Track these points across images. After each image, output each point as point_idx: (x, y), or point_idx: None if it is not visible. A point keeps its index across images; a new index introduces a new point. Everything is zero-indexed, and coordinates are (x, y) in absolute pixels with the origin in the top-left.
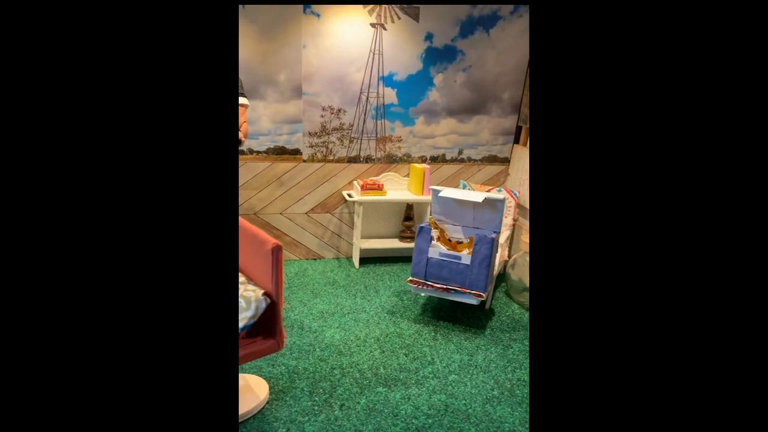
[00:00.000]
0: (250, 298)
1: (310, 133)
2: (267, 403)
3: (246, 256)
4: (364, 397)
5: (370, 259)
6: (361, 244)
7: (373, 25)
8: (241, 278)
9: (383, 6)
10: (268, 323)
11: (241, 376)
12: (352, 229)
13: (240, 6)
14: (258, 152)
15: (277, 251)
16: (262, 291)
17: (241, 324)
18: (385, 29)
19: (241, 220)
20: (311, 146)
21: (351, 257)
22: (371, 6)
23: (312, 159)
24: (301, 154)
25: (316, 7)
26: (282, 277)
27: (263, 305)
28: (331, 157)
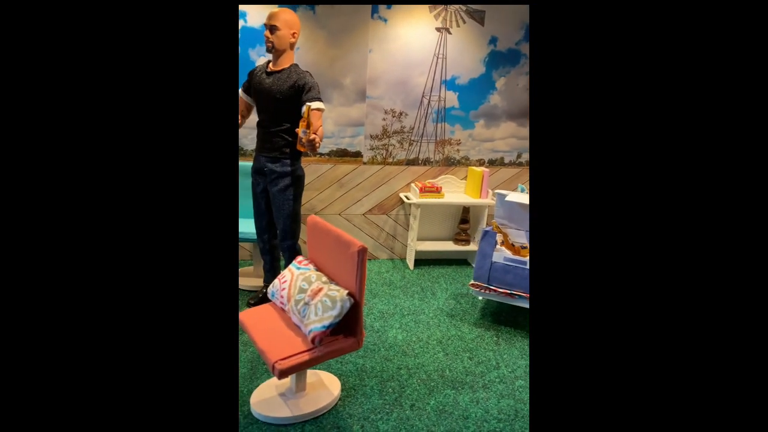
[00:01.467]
0: (335, 297)
1: (371, 136)
2: (339, 399)
3: (329, 257)
4: (433, 398)
5: (424, 261)
6: (417, 246)
7: (438, 29)
8: (324, 278)
9: (449, 10)
10: (350, 322)
11: (313, 372)
12: (407, 230)
13: (311, 11)
14: (321, 154)
15: (362, 253)
16: (347, 291)
17: (326, 322)
18: (449, 33)
19: (324, 222)
20: (372, 149)
21: (405, 259)
22: (438, 10)
23: (372, 161)
24: (361, 156)
25: (383, 13)
26: (365, 278)
27: (347, 305)
28: (391, 160)
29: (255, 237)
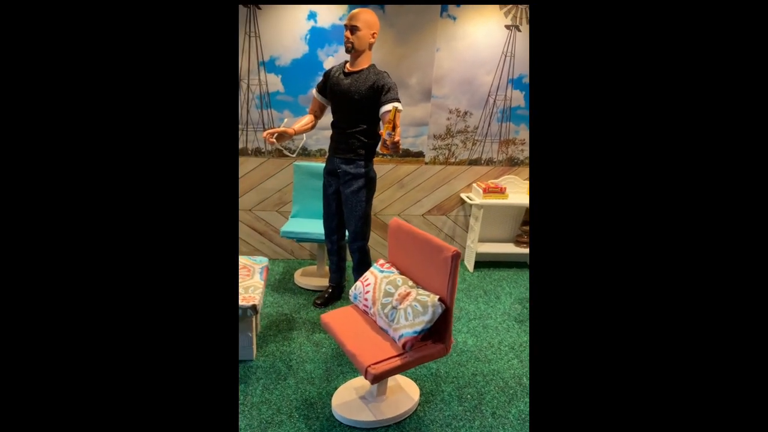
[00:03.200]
0: (426, 302)
1: (434, 136)
2: (418, 405)
3: (415, 261)
4: (514, 407)
5: (483, 263)
6: (477, 247)
7: (507, 27)
8: (410, 282)
9: (520, 7)
10: (440, 328)
11: (393, 377)
12: (466, 232)
13: (381, 11)
14: (383, 155)
15: (455, 258)
16: (437, 296)
17: (418, 328)
18: (519, 31)
19: (409, 226)
20: (434, 149)
21: (463, 260)
22: (508, 7)
23: (434, 161)
24: (423, 156)
25: (453, 11)
26: (456, 283)
27: (439, 310)
28: (453, 160)
29: (321, 237)
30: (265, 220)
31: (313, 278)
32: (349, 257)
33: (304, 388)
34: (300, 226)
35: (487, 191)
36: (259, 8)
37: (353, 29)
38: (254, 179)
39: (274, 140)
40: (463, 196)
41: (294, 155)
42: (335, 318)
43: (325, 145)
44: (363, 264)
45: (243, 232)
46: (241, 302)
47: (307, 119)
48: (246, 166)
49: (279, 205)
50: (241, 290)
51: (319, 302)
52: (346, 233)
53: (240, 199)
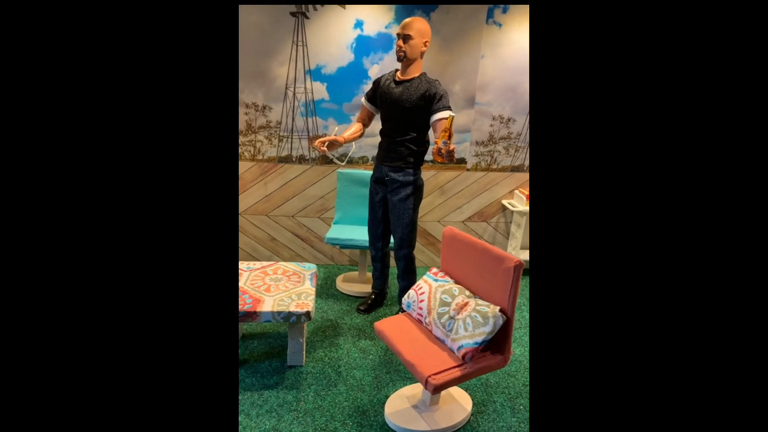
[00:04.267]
0: (486, 313)
1: (477, 143)
2: (471, 415)
3: (472, 270)
4: None
5: (525, 270)
6: (519, 254)
7: None
8: (467, 292)
9: None
10: (499, 339)
11: None
12: (507, 239)
13: (426, 17)
14: (434, 162)
15: (518, 269)
16: (498, 308)
17: (478, 339)
18: None
19: (466, 235)
20: (476, 155)
21: None
22: None
23: (475, 168)
24: (465, 162)
25: (499, 17)
26: (518, 294)
27: (500, 321)
28: (495, 166)
29: (365, 244)
30: (307, 227)
31: (355, 284)
32: (392, 264)
33: (355, 395)
34: (344, 232)
35: None
36: (307, 17)
37: (406, 38)
38: (297, 186)
39: (325, 149)
40: (505, 202)
41: (343, 163)
42: (389, 326)
43: (368, 153)
44: (408, 271)
45: (285, 238)
46: (294, 308)
47: (355, 128)
48: (290, 173)
49: (321, 211)
50: (293, 296)
51: (362, 308)
52: (391, 240)
53: (283, 206)
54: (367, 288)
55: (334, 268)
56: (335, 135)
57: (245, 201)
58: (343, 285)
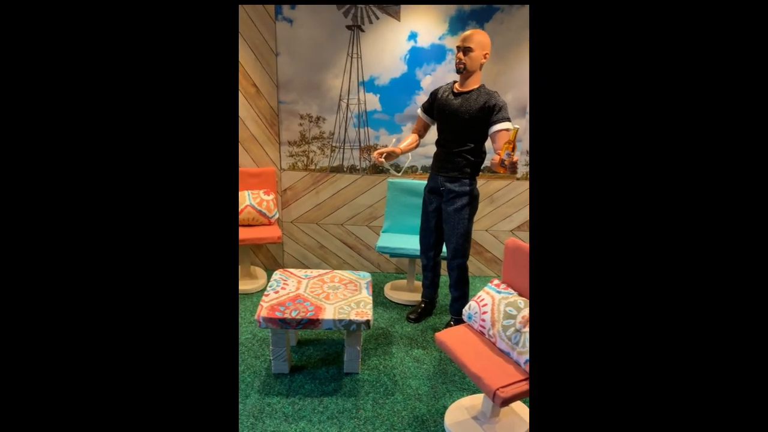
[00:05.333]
0: None
1: (527, 151)
2: None
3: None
4: None
5: None
6: None
7: None
8: (523, 299)
9: None
10: None
11: None
12: None
13: (481, 28)
14: (497, 173)
15: None
16: None
17: None
18: None
19: (519, 242)
20: (527, 164)
21: None
22: None
23: (526, 177)
24: (515, 171)
25: None
26: None
27: None
28: None
29: (416, 253)
30: (355, 235)
31: (403, 292)
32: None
33: (413, 404)
34: (394, 241)
35: None
36: (362, 30)
37: (466, 50)
38: (347, 195)
39: (383, 160)
40: None
41: (399, 174)
42: (451, 337)
43: (417, 163)
44: (461, 281)
45: (334, 245)
46: (354, 317)
47: (411, 139)
48: (341, 182)
49: (369, 220)
50: (352, 304)
51: (412, 317)
52: (443, 250)
53: (333, 214)
54: (416, 296)
55: (381, 276)
56: (392, 146)
57: (297, 209)
58: (391, 293)
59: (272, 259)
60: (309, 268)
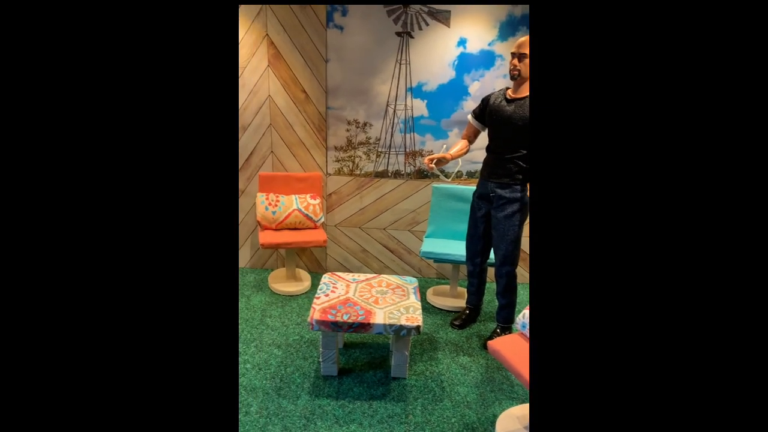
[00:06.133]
0: None
1: None
2: None
3: None
4: None
5: None
6: None
7: None
8: None
9: None
10: None
11: None
12: None
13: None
14: None
15: None
16: None
17: None
18: None
19: None
20: None
21: None
22: None
23: None
24: None
25: None
26: None
27: None
28: None
29: (461, 259)
30: (397, 239)
31: (446, 298)
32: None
33: (463, 411)
34: (438, 246)
35: None
36: (412, 37)
37: (521, 57)
38: (391, 200)
39: (434, 165)
40: None
41: (449, 180)
42: (504, 346)
43: (463, 168)
44: (509, 289)
45: (375, 249)
46: (405, 322)
47: (461, 144)
48: (385, 187)
49: (412, 224)
50: (401, 309)
51: (456, 324)
52: (490, 256)
53: (376, 219)
54: (459, 302)
55: (422, 281)
56: (443, 152)
57: (341, 213)
58: (433, 298)
59: (316, 262)
60: (351, 271)
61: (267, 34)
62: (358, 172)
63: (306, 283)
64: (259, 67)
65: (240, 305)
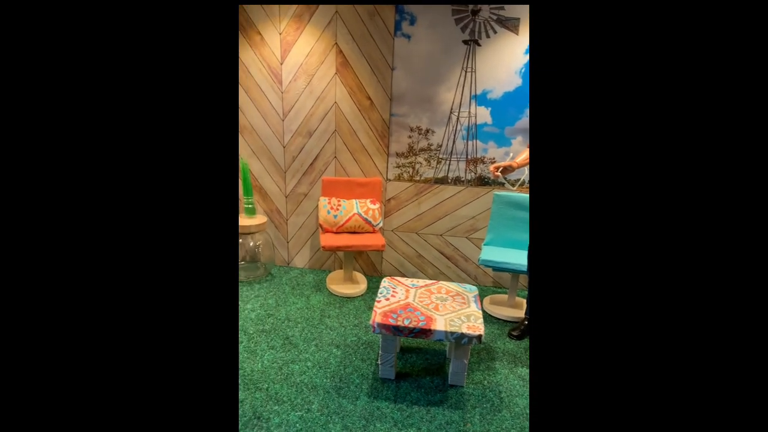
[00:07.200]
0: None
1: None
2: None
3: None
4: None
5: None
6: None
7: None
8: None
9: None
10: None
11: None
12: None
13: None
14: None
15: None
16: None
17: None
18: None
19: None
20: None
21: None
22: None
23: None
24: None
25: None
26: None
27: None
28: None
29: (521, 268)
30: (453, 246)
31: (503, 308)
32: None
33: (522, 424)
34: (498, 255)
35: None
36: (479, 45)
37: None
38: (449, 206)
39: (500, 173)
40: None
41: (515, 188)
42: None
43: (521, 176)
44: None
45: (431, 255)
46: (467, 330)
47: (527, 153)
48: (444, 193)
49: (470, 231)
50: (462, 317)
51: (515, 334)
52: None
53: (434, 225)
54: (517, 313)
55: (479, 290)
56: (509, 161)
57: (398, 218)
58: (490, 307)
59: (371, 266)
60: (406, 276)
61: (336, 43)
62: (418, 178)
63: (362, 286)
64: (327, 75)
65: (300, 305)
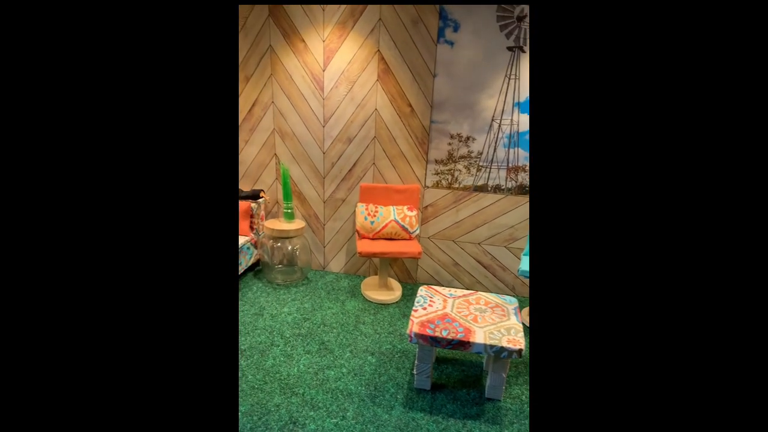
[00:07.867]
0: None
1: None
2: None
3: None
4: None
5: None
6: None
7: None
8: None
9: None
10: None
11: None
12: None
13: None
14: None
15: None
16: None
17: None
18: None
19: None
20: None
21: None
22: None
23: None
24: None
25: None
26: None
27: None
28: None
29: None
30: (491, 254)
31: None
32: None
33: None
34: None
35: None
36: (524, 51)
37: None
38: (488, 214)
39: None
40: None
41: None
42: None
43: None
44: None
45: (468, 264)
46: (506, 344)
47: None
48: (483, 201)
49: (509, 241)
50: (502, 330)
51: None
52: None
53: (471, 233)
54: None
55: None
56: None
57: (436, 226)
58: (527, 319)
59: (406, 273)
60: (441, 284)
61: (378, 50)
62: (457, 186)
63: (397, 293)
64: (369, 82)
65: (335, 310)
